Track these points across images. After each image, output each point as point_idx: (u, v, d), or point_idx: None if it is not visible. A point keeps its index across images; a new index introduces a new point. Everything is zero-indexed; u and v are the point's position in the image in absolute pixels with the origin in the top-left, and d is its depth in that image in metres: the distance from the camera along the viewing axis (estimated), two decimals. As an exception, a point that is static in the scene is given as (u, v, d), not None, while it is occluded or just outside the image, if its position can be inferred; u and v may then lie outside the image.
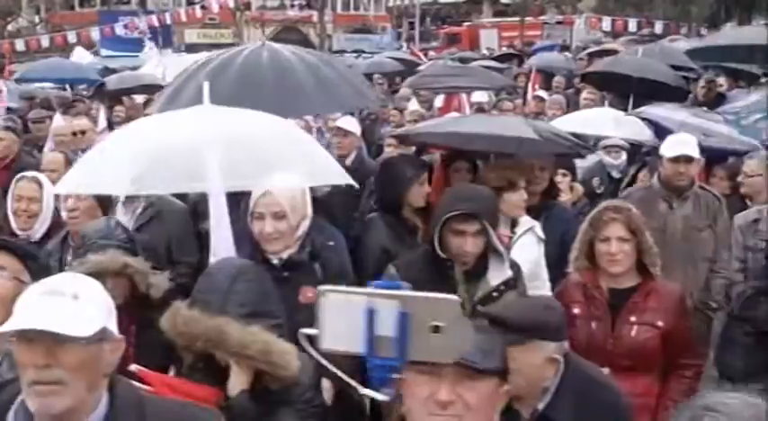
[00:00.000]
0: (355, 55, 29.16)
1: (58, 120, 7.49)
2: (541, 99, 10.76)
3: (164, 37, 38.92)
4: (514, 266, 3.78)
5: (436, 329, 1.57)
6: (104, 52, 33.84)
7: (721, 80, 11.18)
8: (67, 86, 14.04)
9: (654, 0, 42.13)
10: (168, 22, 37.11)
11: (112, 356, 2.00)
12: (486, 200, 3.70)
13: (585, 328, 3.61)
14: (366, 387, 1.69)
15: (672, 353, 3.64)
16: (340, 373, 1.82)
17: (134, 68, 15.69)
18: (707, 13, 32.62)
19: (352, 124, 6.78)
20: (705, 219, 5.07)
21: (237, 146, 3.80)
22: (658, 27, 36.21)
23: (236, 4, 37.40)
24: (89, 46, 32.23)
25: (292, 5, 50.77)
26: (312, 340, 1.66)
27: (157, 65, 15.12)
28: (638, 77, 8.71)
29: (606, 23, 37.15)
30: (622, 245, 3.63)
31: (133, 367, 2.55)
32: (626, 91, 8.75)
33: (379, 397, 1.66)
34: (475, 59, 19.68)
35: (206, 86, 3.99)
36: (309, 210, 3.57)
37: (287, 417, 2.60)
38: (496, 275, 3.67)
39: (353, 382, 1.77)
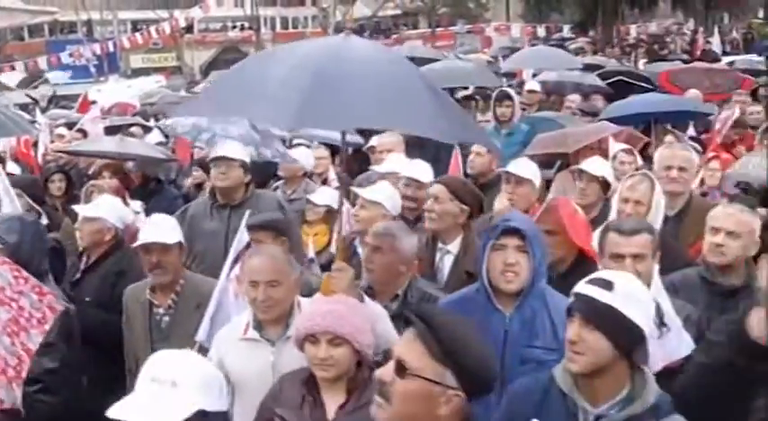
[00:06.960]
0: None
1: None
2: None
3: (109, 63, 41.47)
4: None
5: None
6: (53, 80, 35.82)
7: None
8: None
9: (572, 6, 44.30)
10: (112, 49, 39.61)
11: None
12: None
13: None
14: None
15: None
16: None
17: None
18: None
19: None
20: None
21: None
22: (566, 31, 38.58)
23: (172, 31, 39.77)
24: (37, 74, 34.78)
25: (233, 27, 53.59)
26: None
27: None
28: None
29: (515, 30, 39.38)
30: None
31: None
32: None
33: None
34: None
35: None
36: None
37: None
38: None
39: None
